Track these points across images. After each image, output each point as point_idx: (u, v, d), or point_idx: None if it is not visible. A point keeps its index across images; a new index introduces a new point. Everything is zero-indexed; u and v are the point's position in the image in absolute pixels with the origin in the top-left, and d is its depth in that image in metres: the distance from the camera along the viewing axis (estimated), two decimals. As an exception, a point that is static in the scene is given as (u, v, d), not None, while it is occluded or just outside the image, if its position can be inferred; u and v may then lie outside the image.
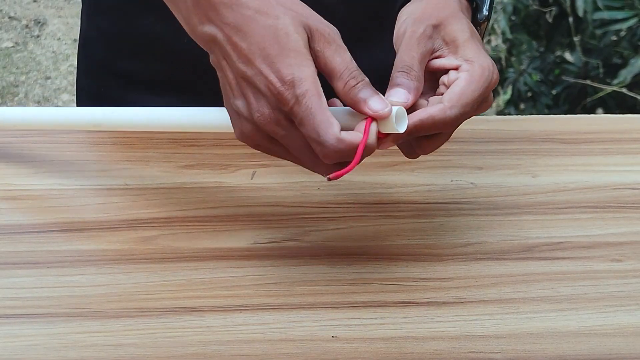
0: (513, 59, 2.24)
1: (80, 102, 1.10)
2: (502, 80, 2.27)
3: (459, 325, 0.72)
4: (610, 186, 0.89)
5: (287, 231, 0.81)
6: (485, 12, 0.82)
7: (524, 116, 1.07)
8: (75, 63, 1.11)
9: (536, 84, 2.20)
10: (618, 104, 2.14)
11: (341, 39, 0.72)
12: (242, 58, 0.70)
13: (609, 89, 2.09)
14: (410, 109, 0.72)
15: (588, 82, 2.15)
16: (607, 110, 2.17)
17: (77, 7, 3.38)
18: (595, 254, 0.81)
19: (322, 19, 0.72)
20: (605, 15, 1.98)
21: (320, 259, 0.78)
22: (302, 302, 0.74)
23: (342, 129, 0.69)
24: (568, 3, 2.08)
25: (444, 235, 0.82)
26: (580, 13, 2.00)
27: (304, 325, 0.72)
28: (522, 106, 2.27)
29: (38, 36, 3.34)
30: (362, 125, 0.70)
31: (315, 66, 0.70)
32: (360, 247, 0.80)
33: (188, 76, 0.95)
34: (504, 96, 2.50)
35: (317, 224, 0.82)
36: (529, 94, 2.24)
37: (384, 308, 0.74)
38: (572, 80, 2.19)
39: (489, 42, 2.39)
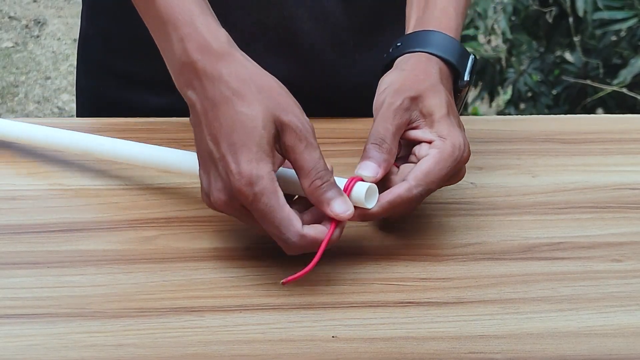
0: (513, 59, 2.24)
1: (80, 102, 1.10)
2: (502, 80, 2.26)
3: (459, 325, 0.72)
4: (610, 186, 0.89)
5: (287, 231, 0.81)
6: (466, 78, 0.86)
7: (524, 116, 1.07)
8: (75, 63, 1.11)
9: (536, 84, 2.20)
10: (618, 104, 2.14)
11: (314, 136, 0.74)
12: (211, 136, 0.73)
13: (609, 89, 2.09)
14: (380, 181, 0.77)
15: (588, 82, 2.15)
16: (607, 110, 2.17)
17: (77, 7, 3.38)
18: (595, 254, 0.81)
19: (299, 111, 0.74)
20: (605, 15, 1.98)
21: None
22: (302, 302, 0.74)
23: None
24: (568, 3, 2.08)
25: (444, 235, 0.82)
26: (580, 13, 2.00)
27: (304, 325, 0.72)
28: (522, 106, 2.27)
29: (38, 36, 3.34)
30: (326, 224, 0.74)
31: (286, 159, 0.74)
32: (360, 247, 0.80)
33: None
34: (504, 96, 2.50)
35: (317, 224, 0.82)
36: (529, 94, 2.24)
37: (384, 308, 0.74)
38: (572, 80, 2.19)
39: (489, 42, 2.39)
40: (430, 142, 0.78)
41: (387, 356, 0.70)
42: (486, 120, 1.05)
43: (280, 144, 0.73)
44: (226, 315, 0.72)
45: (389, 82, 0.81)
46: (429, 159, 0.77)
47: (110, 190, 0.85)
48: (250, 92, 0.73)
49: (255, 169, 0.71)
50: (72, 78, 3.01)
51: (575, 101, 2.19)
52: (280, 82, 0.76)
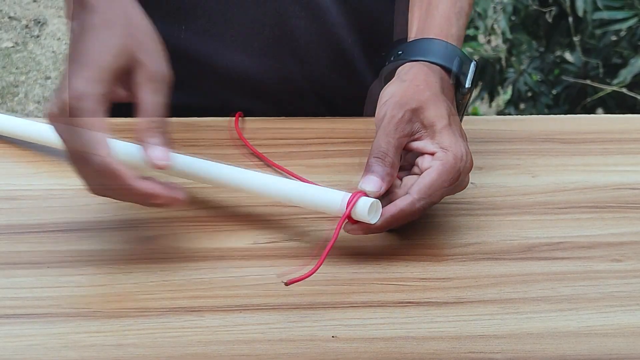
0: (513, 59, 2.24)
1: None
2: (502, 80, 2.26)
3: (459, 325, 0.72)
4: (610, 186, 0.89)
5: (287, 231, 0.81)
6: (467, 85, 0.87)
7: (524, 116, 1.07)
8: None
9: (536, 84, 2.20)
10: (618, 104, 2.14)
11: (165, 82, 0.74)
12: (69, 56, 0.73)
13: (609, 89, 2.09)
14: (383, 194, 0.77)
15: (588, 82, 2.15)
16: (607, 110, 2.17)
17: (77, 7, 3.38)
18: (595, 254, 0.81)
19: (160, 59, 0.75)
20: (605, 15, 1.97)
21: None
22: (302, 302, 0.74)
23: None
24: (568, 3, 2.08)
25: (444, 235, 0.82)
26: (580, 13, 2.00)
27: (304, 325, 0.72)
28: (522, 106, 2.27)
29: (38, 36, 3.34)
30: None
31: (132, 94, 0.74)
32: (360, 247, 0.80)
33: (185, 72, 0.95)
34: (504, 96, 2.49)
35: (317, 224, 0.82)
36: (529, 94, 2.24)
37: (384, 308, 0.74)
38: (572, 80, 2.18)
39: (489, 42, 2.39)
40: (432, 154, 0.79)
41: (387, 356, 0.70)
42: (486, 120, 1.05)
43: (130, 80, 0.74)
44: (226, 315, 0.72)
45: (390, 94, 0.82)
46: (432, 171, 0.77)
47: (110, 190, 0.85)
48: (119, 24, 0.74)
49: (86, 87, 0.71)
50: (72, 78, 3.01)
51: (575, 101, 2.19)
52: (152, 27, 0.76)
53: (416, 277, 0.77)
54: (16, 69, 3.16)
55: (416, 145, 0.80)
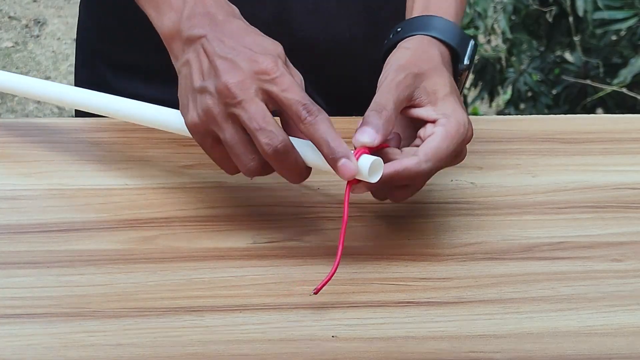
0: (513, 58, 2.24)
1: None
2: (502, 80, 2.26)
3: (459, 325, 0.72)
4: (610, 186, 0.89)
5: (287, 231, 0.81)
6: (465, 62, 0.86)
7: (524, 116, 1.07)
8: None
9: (536, 84, 2.20)
10: (618, 104, 2.14)
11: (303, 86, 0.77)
12: (226, 48, 0.75)
13: (609, 88, 2.09)
14: (385, 158, 0.75)
15: (588, 82, 2.15)
16: (607, 110, 2.17)
17: (77, 7, 3.38)
18: (595, 254, 0.81)
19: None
20: (605, 15, 1.97)
21: (320, 259, 0.78)
22: (302, 302, 0.74)
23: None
24: (568, 3, 2.08)
25: (444, 235, 0.82)
26: (580, 13, 2.00)
27: (304, 325, 0.72)
28: (522, 106, 2.27)
29: (38, 36, 3.33)
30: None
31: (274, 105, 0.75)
32: (360, 247, 0.80)
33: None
34: (504, 96, 2.49)
35: (317, 224, 0.82)
36: (529, 94, 2.24)
37: (384, 308, 0.74)
38: (572, 80, 2.18)
39: (489, 42, 2.39)
40: (434, 122, 0.77)
41: (387, 356, 0.70)
42: (486, 120, 1.05)
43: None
44: (226, 315, 0.72)
45: (394, 59, 0.81)
46: (436, 136, 0.76)
47: (110, 190, 0.85)
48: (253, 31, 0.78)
49: (279, 62, 0.74)
50: (72, 78, 3.01)
51: (575, 101, 2.19)
52: None
53: (416, 277, 0.77)
54: (16, 69, 3.16)
55: (417, 112, 0.78)
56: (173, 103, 0.89)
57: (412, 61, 0.80)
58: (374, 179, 0.73)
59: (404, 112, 0.79)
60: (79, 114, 1.10)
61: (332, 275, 0.72)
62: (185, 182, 0.87)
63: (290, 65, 0.77)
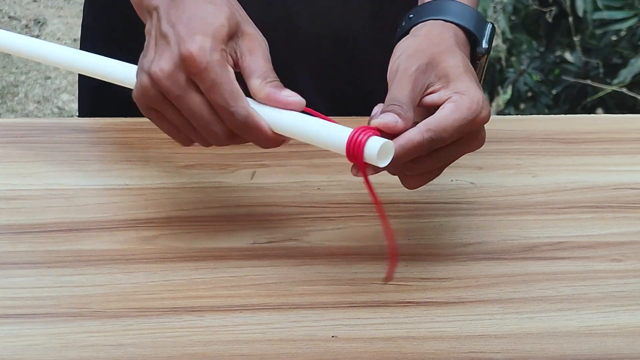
0: (513, 59, 2.24)
1: (82, 94, 1.10)
2: (502, 80, 2.26)
3: (459, 325, 0.72)
4: (610, 186, 0.89)
5: (287, 231, 0.81)
6: (485, 45, 0.82)
7: (524, 116, 1.07)
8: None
9: (536, 84, 2.20)
10: (618, 104, 2.14)
11: (267, 50, 0.74)
12: (169, 22, 0.72)
13: (609, 89, 2.09)
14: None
15: (588, 82, 2.15)
16: (607, 110, 2.17)
17: (77, 7, 3.38)
18: (595, 254, 0.81)
19: (256, 28, 0.75)
20: (605, 15, 1.97)
21: (320, 259, 0.78)
22: (302, 302, 0.74)
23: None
24: (568, 3, 2.08)
25: (444, 235, 0.82)
26: (580, 13, 2.00)
27: (304, 325, 0.72)
28: (522, 106, 2.27)
29: (38, 36, 3.33)
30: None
31: (234, 63, 0.72)
32: (360, 247, 0.80)
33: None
34: (504, 96, 2.49)
35: (317, 224, 0.82)
36: (529, 94, 2.24)
37: (384, 308, 0.74)
38: (572, 80, 2.18)
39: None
40: (446, 100, 0.74)
41: (387, 356, 0.70)
42: (486, 120, 1.05)
43: (234, 47, 0.73)
44: (226, 315, 0.72)
45: (404, 48, 0.78)
46: (444, 109, 0.72)
47: (110, 190, 0.85)
48: None
49: (210, 42, 0.70)
50: (72, 78, 3.01)
51: (575, 101, 2.19)
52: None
53: (416, 277, 0.77)
54: (16, 68, 3.16)
55: (431, 98, 0.74)
56: None
57: (422, 48, 0.77)
58: (383, 163, 0.69)
59: (420, 103, 0.75)
60: (80, 114, 1.10)
61: (395, 261, 0.70)
62: (185, 182, 0.87)
63: (239, 36, 0.74)
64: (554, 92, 2.24)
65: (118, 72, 0.80)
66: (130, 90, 1.02)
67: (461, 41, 0.80)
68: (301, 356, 0.69)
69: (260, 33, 0.75)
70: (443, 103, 0.73)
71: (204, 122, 0.72)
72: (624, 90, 2.07)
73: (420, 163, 0.73)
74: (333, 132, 0.71)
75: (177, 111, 0.72)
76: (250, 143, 0.82)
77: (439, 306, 0.74)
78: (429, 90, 0.75)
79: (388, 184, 0.87)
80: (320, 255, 0.79)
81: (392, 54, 0.79)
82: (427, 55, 0.76)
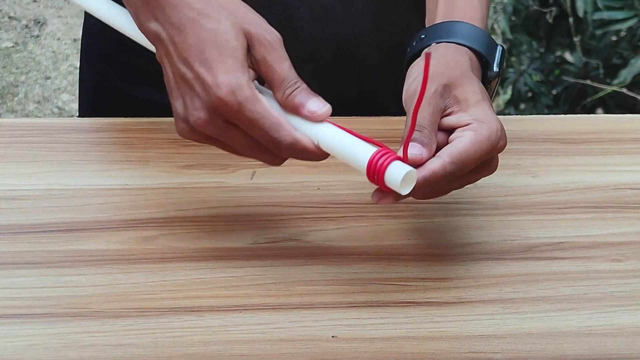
0: (513, 59, 2.24)
1: (83, 94, 1.10)
2: (502, 80, 2.26)
3: (459, 325, 0.72)
4: (610, 186, 0.89)
5: (287, 231, 0.81)
6: (495, 69, 0.83)
7: (524, 116, 1.07)
8: (75, 63, 1.11)
9: (536, 84, 2.20)
10: (618, 104, 2.14)
11: (282, 46, 0.73)
12: (182, 59, 0.72)
13: (609, 89, 2.09)
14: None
15: (588, 82, 2.15)
16: (607, 110, 2.17)
17: (77, 7, 3.38)
18: (595, 254, 0.81)
19: (265, 24, 0.74)
20: (605, 15, 1.97)
21: (320, 259, 0.78)
22: (302, 302, 0.74)
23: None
24: (568, 3, 2.08)
25: (444, 235, 0.82)
26: (580, 13, 2.00)
27: (304, 325, 0.72)
28: (522, 106, 2.27)
29: (38, 36, 3.33)
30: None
31: (256, 72, 0.72)
32: (360, 247, 0.80)
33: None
34: (504, 96, 2.49)
35: (317, 224, 0.82)
36: (529, 94, 2.24)
37: (384, 308, 0.74)
38: (572, 80, 2.18)
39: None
40: (465, 126, 0.74)
41: (387, 356, 0.70)
42: (486, 120, 1.05)
43: (250, 57, 0.72)
44: (226, 315, 0.72)
45: (419, 70, 0.77)
46: (464, 139, 0.72)
47: (110, 190, 0.85)
48: (214, 9, 0.72)
49: (235, 77, 0.70)
50: (72, 78, 3.01)
51: (575, 101, 2.19)
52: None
53: (416, 277, 0.77)
54: (16, 69, 3.16)
55: (448, 120, 0.74)
56: None
57: (440, 71, 0.76)
58: (405, 191, 0.69)
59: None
60: (80, 114, 1.10)
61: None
62: (185, 182, 0.87)
63: (251, 45, 0.73)
64: (554, 92, 2.24)
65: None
66: (131, 89, 1.02)
67: (474, 65, 0.80)
68: (301, 356, 0.69)
69: (268, 26, 0.74)
70: (460, 127, 0.73)
71: (255, 153, 0.73)
72: (624, 90, 2.07)
73: (435, 188, 0.73)
74: (357, 150, 0.71)
75: (226, 145, 0.73)
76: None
77: (439, 306, 0.74)
78: (446, 112, 0.75)
79: (388, 184, 0.87)
80: (320, 255, 0.79)
81: (407, 76, 0.79)
82: (445, 77, 0.76)
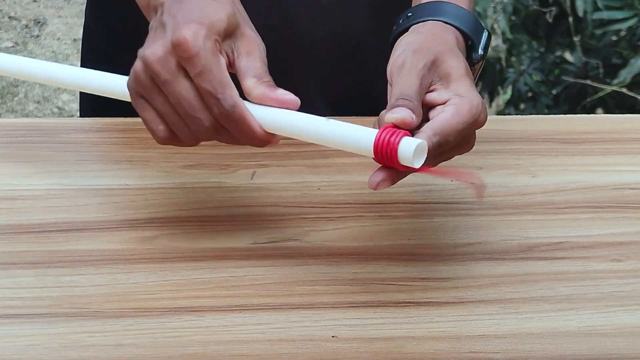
0: (513, 59, 2.24)
1: (84, 95, 1.10)
2: (502, 80, 2.26)
3: (459, 325, 0.72)
4: (610, 186, 0.89)
5: (287, 231, 0.81)
6: (480, 52, 0.82)
7: (524, 116, 1.07)
8: (75, 63, 1.11)
9: (536, 84, 2.20)
10: (618, 104, 2.14)
11: (265, 53, 0.74)
12: (169, 13, 0.72)
13: (609, 89, 2.09)
14: None
15: (588, 82, 2.15)
16: (607, 110, 2.17)
17: (77, 7, 3.38)
18: (595, 254, 0.81)
19: (251, 24, 0.75)
20: (605, 15, 1.97)
21: (320, 259, 0.78)
22: (302, 302, 0.74)
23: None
24: (568, 3, 2.07)
25: (444, 235, 0.82)
26: (580, 13, 2.00)
27: (304, 325, 0.72)
28: (522, 106, 2.27)
29: (38, 36, 3.33)
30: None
31: (229, 63, 0.72)
32: (360, 247, 0.80)
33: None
34: (504, 96, 2.49)
35: (317, 224, 0.82)
36: (529, 94, 2.24)
37: (384, 308, 0.74)
38: (572, 80, 2.18)
39: (489, 42, 2.39)
40: (444, 103, 0.73)
41: (387, 356, 0.70)
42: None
43: (232, 46, 0.73)
44: (226, 315, 0.72)
45: (407, 43, 0.77)
46: (445, 113, 0.72)
47: (110, 190, 0.85)
48: None
49: (206, 29, 0.70)
50: (72, 78, 3.01)
51: (575, 101, 2.19)
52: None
53: (416, 277, 0.77)
54: (16, 69, 3.16)
55: (430, 97, 0.74)
56: None
57: (427, 45, 0.76)
58: (418, 164, 0.68)
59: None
60: (82, 114, 1.10)
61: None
62: (185, 182, 0.87)
63: (237, 36, 0.73)
64: (554, 92, 2.24)
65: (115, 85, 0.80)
66: None
67: (460, 45, 0.80)
68: (301, 356, 0.69)
69: (260, 37, 0.75)
70: (441, 104, 0.73)
71: (190, 109, 0.71)
72: (624, 90, 2.07)
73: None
74: (357, 134, 0.70)
75: (165, 97, 0.72)
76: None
77: (439, 306, 0.74)
78: (430, 89, 0.75)
79: (388, 184, 0.87)
80: (320, 255, 0.79)
81: (394, 49, 0.78)
82: (433, 53, 0.75)
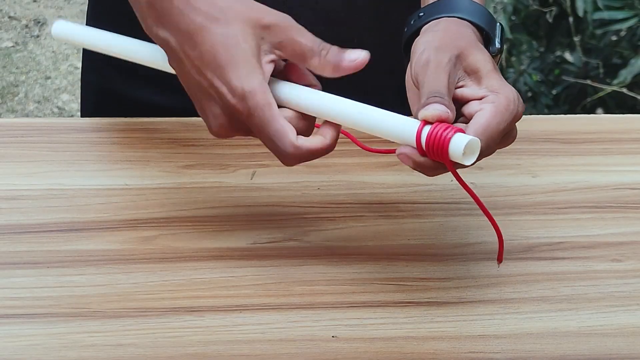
0: (513, 59, 2.24)
1: (85, 97, 1.10)
2: (502, 80, 2.26)
3: (459, 325, 0.72)
4: (610, 186, 0.89)
5: (287, 231, 0.81)
6: (497, 45, 0.81)
7: (524, 116, 1.07)
8: (75, 63, 1.11)
9: (536, 84, 2.20)
10: (618, 104, 2.14)
11: (294, 21, 0.74)
12: (194, 68, 0.72)
13: (609, 89, 2.09)
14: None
15: (588, 82, 2.15)
16: (607, 110, 2.16)
17: (77, 7, 3.38)
18: (595, 254, 0.81)
19: (270, 9, 0.74)
20: (605, 15, 1.97)
21: (320, 259, 0.78)
22: (302, 302, 0.74)
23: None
24: (568, 3, 2.07)
25: (444, 235, 0.82)
26: (580, 13, 2.00)
27: (304, 325, 0.72)
28: (522, 106, 2.26)
29: (38, 36, 3.34)
30: (323, 132, 0.72)
31: (285, 56, 0.72)
32: (360, 247, 0.80)
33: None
34: (504, 96, 2.49)
35: (317, 224, 0.82)
36: (529, 94, 2.24)
37: (384, 308, 0.74)
38: (572, 80, 2.18)
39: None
40: (480, 99, 0.72)
41: (387, 356, 0.70)
42: (486, 120, 1.05)
43: (271, 46, 0.72)
44: (226, 315, 0.72)
45: (426, 42, 0.76)
46: (485, 112, 0.71)
47: (110, 190, 0.85)
48: (221, 11, 0.72)
49: (246, 83, 0.70)
50: (72, 78, 3.01)
51: (575, 101, 2.19)
52: None
53: (416, 277, 0.77)
54: (16, 69, 3.16)
55: (461, 92, 0.73)
56: (183, 111, 0.89)
57: (448, 42, 0.75)
58: (469, 161, 0.68)
59: None
60: (82, 114, 1.10)
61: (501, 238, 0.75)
62: (185, 182, 0.87)
63: (267, 34, 0.73)
64: (554, 92, 2.24)
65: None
66: (133, 91, 1.02)
67: (478, 39, 0.79)
68: (301, 356, 0.69)
69: (274, 10, 0.74)
70: (476, 99, 0.73)
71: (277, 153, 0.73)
72: (624, 90, 2.07)
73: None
74: (403, 126, 0.70)
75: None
76: (250, 143, 0.82)
77: (439, 306, 0.74)
78: (459, 84, 0.74)
79: (388, 184, 0.87)
80: (320, 255, 0.79)
81: (413, 50, 0.77)
82: (456, 48, 0.74)
